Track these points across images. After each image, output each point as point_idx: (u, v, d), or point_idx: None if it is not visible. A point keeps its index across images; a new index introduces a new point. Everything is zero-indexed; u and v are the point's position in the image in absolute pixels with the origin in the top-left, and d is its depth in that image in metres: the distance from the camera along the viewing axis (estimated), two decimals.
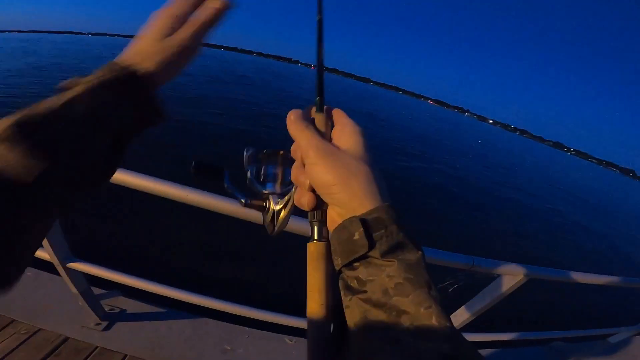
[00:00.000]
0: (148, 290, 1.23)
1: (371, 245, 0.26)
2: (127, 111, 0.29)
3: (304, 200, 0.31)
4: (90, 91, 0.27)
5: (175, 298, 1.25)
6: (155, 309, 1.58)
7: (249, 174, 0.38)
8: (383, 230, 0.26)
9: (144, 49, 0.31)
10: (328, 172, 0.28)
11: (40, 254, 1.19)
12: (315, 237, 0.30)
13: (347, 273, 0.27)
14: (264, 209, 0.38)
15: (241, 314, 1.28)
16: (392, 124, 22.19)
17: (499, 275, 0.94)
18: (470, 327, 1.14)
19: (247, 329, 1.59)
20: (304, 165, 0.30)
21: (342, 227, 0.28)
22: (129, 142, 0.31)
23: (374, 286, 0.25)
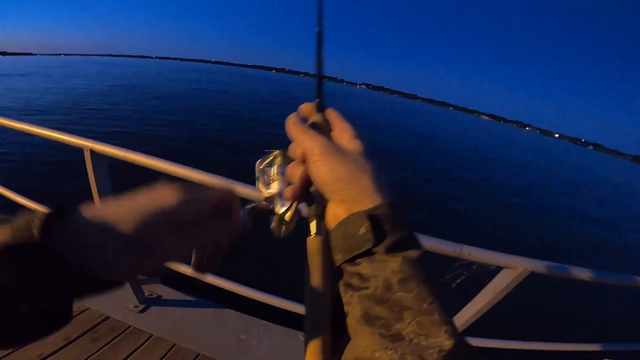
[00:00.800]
0: (183, 272, 1.42)
1: (377, 241, 0.26)
2: (41, 284, 0.21)
3: (289, 191, 0.32)
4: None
5: (206, 282, 1.41)
6: (186, 297, 1.76)
7: (258, 179, 0.38)
8: (388, 226, 0.26)
9: (116, 232, 0.23)
10: (336, 168, 0.28)
11: None
12: (314, 231, 0.31)
13: (348, 269, 0.27)
14: (270, 214, 0.38)
15: (260, 300, 1.39)
16: (444, 143, 21.52)
17: (495, 269, 0.94)
18: (481, 330, 1.11)
19: (264, 322, 1.70)
20: (302, 163, 0.31)
21: (347, 221, 0.27)
22: (68, 306, 0.24)
23: (377, 282, 0.25)
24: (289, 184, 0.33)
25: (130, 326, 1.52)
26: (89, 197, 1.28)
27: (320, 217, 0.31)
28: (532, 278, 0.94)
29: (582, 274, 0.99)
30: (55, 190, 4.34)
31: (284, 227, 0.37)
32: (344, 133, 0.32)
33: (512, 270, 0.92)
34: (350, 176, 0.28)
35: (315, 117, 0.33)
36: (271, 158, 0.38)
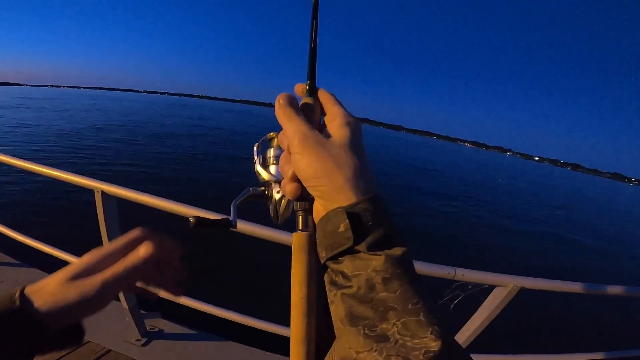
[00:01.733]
0: (186, 305, 1.43)
1: (357, 238, 0.25)
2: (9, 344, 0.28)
3: (287, 189, 0.30)
4: None
5: (207, 312, 1.42)
6: (188, 331, 1.74)
7: (256, 161, 0.37)
8: (370, 223, 0.25)
9: (48, 287, 0.30)
10: (313, 164, 0.27)
11: None
12: (300, 227, 0.30)
13: (332, 267, 0.26)
14: (267, 198, 0.36)
15: (264, 329, 1.41)
16: (432, 172, 21.98)
17: (488, 287, 1.01)
18: (481, 347, 1.15)
19: (269, 353, 1.68)
20: (289, 153, 0.29)
21: (326, 218, 0.27)
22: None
23: (360, 281, 0.24)
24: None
25: (133, 359, 1.50)
26: (97, 236, 1.32)
27: (307, 212, 0.30)
28: (523, 294, 1.01)
29: (570, 286, 1.06)
30: (62, 229, 4.27)
31: (280, 214, 0.36)
32: (334, 119, 0.30)
33: (503, 287, 0.99)
34: (326, 172, 0.26)
35: (307, 100, 0.31)
36: (268, 138, 0.37)
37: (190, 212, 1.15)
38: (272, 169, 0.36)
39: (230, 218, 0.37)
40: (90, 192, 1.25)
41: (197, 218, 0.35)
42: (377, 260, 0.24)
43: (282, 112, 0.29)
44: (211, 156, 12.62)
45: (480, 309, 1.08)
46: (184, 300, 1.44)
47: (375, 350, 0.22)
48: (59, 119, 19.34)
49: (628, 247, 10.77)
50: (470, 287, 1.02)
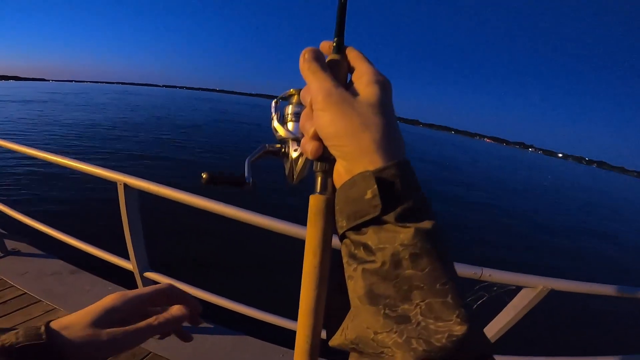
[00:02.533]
0: (204, 299, 1.45)
1: (386, 207, 0.22)
2: None
3: (307, 147, 0.28)
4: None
5: (224, 306, 1.44)
6: (204, 325, 1.77)
7: (273, 117, 0.35)
8: (400, 191, 0.23)
9: (76, 326, 0.31)
10: (337, 121, 0.24)
11: (124, 264, 1.52)
12: (318, 190, 0.28)
13: (352, 237, 0.24)
14: (283, 156, 0.35)
15: (278, 324, 1.41)
16: (453, 168, 21.69)
17: (516, 288, 0.97)
18: (506, 348, 1.11)
19: (284, 348, 1.68)
20: (312, 110, 0.27)
21: (351, 183, 0.24)
22: None
23: (385, 255, 0.21)
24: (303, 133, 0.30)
25: (150, 352, 1.53)
26: (120, 228, 1.35)
27: (327, 174, 0.28)
28: (553, 295, 0.97)
29: (602, 289, 1.01)
30: (85, 220, 4.41)
31: (296, 174, 0.34)
32: (362, 76, 0.27)
33: (532, 289, 0.95)
34: (351, 131, 0.24)
35: (333, 57, 0.29)
36: (287, 95, 0.35)
37: (211, 205, 1.15)
38: (290, 125, 0.34)
39: (245, 175, 0.36)
40: (113, 184, 1.28)
41: (210, 174, 0.34)
42: (406, 233, 0.21)
43: (306, 67, 0.27)
44: (237, 149, 12.77)
45: (505, 309, 1.04)
46: (204, 295, 1.46)
47: (395, 332, 0.21)
48: (85, 112, 19.89)
49: None
50: (495, 288, 0.98)
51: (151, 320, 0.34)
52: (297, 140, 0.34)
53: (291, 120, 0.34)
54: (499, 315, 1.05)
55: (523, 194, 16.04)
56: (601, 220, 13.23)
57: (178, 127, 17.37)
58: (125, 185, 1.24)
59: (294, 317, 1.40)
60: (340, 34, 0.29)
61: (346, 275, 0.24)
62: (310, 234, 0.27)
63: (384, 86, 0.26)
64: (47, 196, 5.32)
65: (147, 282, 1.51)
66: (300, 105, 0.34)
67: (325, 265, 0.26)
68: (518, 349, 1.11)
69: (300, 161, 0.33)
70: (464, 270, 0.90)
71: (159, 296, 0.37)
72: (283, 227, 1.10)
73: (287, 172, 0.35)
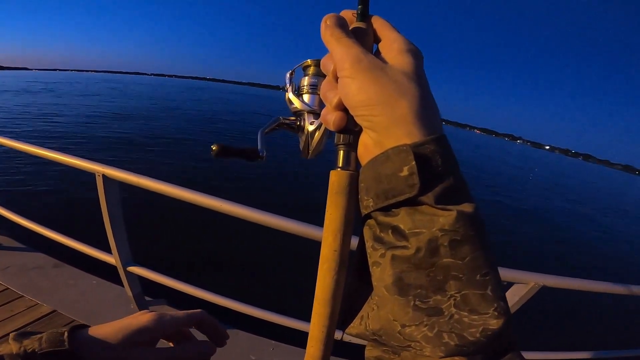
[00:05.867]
0: (190, 293, 1.41)
1: (425, 187, 0.20)
2: None
3: (330, 117, 0.25)
4: (13, 357, 0.27)
5: (212, 302, 1.41)
6: None
7: (288, 89, 0.33)
8: (440, 169, 0.20)
9: (106, 338, 0.30)
10: (367, 88, 0.22)
11: (107, 258, 1.47)
12: (340, 164, 0.25)
13: (380, 219, 0.21)
14: (298, 129, 0.33)
15: (269, 319, 1.39)
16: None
17: (507, 284, 0.96)
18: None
19: (273, 342, 1.67)
20: (336, 80, 0.24)
21: (384, 157, 0.21)
22: None
23: (420, 241, 0.19)
24: (322, 104, 0.28)
25: None
26: (100, 220, 1.29)
27: (350, 147, 0.25)
28: (545, 291, 0.96)
29: (593, 285, 1.01)
30: (65, 213, 4.31)
31: (312, 148, 0.32)
32: (391, 44, 0.24)
33: (523, 285, 0.94)
34: (383, 99, 0.21)
35: (358, 24, 0.26)
36: (303, 66, 0.33)
37: (194, 197, 1.10)
38: (306, 97, 0.32)
39: (258, 148, 0.33)
40: (92, 176, 1.21)
41: (221, 145, 0.31)
42: (447, 217, 0.19)
43: (329, 33, 0.24)
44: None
45: None
46: (189, 289, 1.42)
47: (426, 325, 0.19)
48: (74, 102, 19.19)
49: None
50: None
51: (180, 349, 0.34)
52: (314, 113, 0.32)
53: (307, 92, 0.32)
54: None
55: (512, 187, 16.29)
56: (589, 214, 13.52)
57: (189, 120, 16.92)
58: (104, 176, 1.18)
59: (282, 311, 1.39)
60: (364, 1, 0.26)
61: (370, 261, 0.22)
62: (331, 214, 0.24)
63: (416, 55, 0.24)
64: (25, 188, 5.18)
65: (131, 276, 1.47)
66: (316, 76, 0.32)
67: (345, 249, 0.24)
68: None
69: (318, 134, 0.31)
70: None
71: (192, 322, 0.36)
72: (264, 219, 1.05)
73: (302, 146, 0.33)
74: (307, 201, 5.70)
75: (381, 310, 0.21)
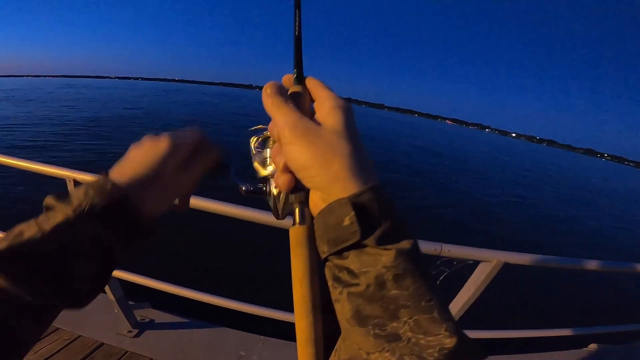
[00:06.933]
0: (173, 293, 1.42)
1: (364, 232, 0.22)
2: (116, 239, 0.29)
3: (279, 181, 0.28)
4: (77, 218, 0.26)
5: (198, 300, 1.42)
6: (179, 320, 1.74)
7: (254, 161, 0.36)
8: (377, 214, 0.23)
9: (145, 177, 0.31)
10: (304, 152, 0.25)
11: None
12: (297, 221, 0.28)
13: (335, 262, 0.24)
14: (265, 194, 0.36)
15: (256, 313, 1.41)
16: (419, 149, 22.42)
17: (473, 262, 1.02)
18: (468, 323, 1.18)
19: (262, 337, 1.70)
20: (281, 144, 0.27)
21: (328, 210, 0.24)
22: (117, 262, 0.31)
23: (369, 278, 0.22)
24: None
25: (127, 351, 1.50)
26: None
27: (303, 204, 0.28)
28: (507, 269, 1.03)
29: (553, 261, 1.09)
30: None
31: (280, 209, 0.35)
32: (323, 104, 0.28)
33: (488, 263, 1.01)
34: (319, 161, 0.24)
35: (295, 89, 0.30)
36: (263, 138, 0.36)
37: None
38: (271, 168, 0.35)
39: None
40: (62, 181, 1.19)
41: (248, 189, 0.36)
42: (387, 256, 0.22)
43: (270, 102, 0.27)
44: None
45: (466, 285, 1.10)
46: (172, 289, 1.42)
47: (388, 351, 0.21)
48: (34, 110, 18.26)
49: (613, 222, 11.29)
50: (455, 262, 1.03)
51: (197, 163, 0.36)
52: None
53: (271, 164, 0.35)
54: (461, 291, 1.11)
55: (481, 172, 16.87)
56: (551, 195, 14.30)
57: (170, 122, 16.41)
58: (75, 182, 1.15)
59: (270, 304, 1.42)
60: (298, 66, 0.31)
61: (333, 298, 0.24)
62: (295, 264, 0.27)
63: (346, 111, 0.27)
64: None
65: (112, 280, 1.45)
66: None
67: (315, 292, 0.26)
68: (479, 324, 1.19)
69: (282, 197, 0.33)
70: (425, 246, 0.93)
71: (197, 143, 0.36)
72: (243, 213, 1.06)
73: (272, 208, 0.35)
74: None
75: (347, 341, 0.23)
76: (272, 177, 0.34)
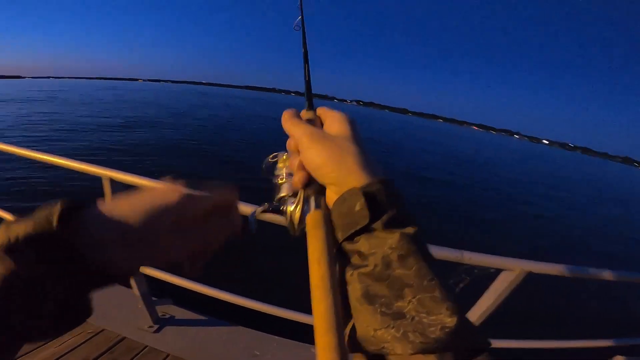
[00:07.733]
0: (194, 290, 1.47)
1: (373, 216, 0.25)
2: (61, 277, 0.22)
3: (296, 179, 0.33)
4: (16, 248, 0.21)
5: (216, 297, 1.46)
6: (198, 317, 1.79)
7: (274, 181, 0.38)
8: (384, 202, 0.26)
9: (112, 221, 0.24)
10: (322, 153, 0.29)
11: None
12: (313, 207, 0.31)
13: (347, 247, 0.27)
14: (283, 213, 0.38)
15: (272, 313, 1.44)
16: (440, 155, 22.04)
17: (495, 271, 1.00)
18: (488, 332, 1.15)
19: (277, 337, 1.72)
20: (298, 153, 0.32)
21: (341, 199, 0.28)
22: (84, 298, 0.25)
23: (376, 259, 0.24)
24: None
25: (146, 346, 1.55)
26: None
27: (319, 194, 0.31)
28: (531, 278, 1.00)
29: (579, 272, 1.05)
30: None
31: (296, 224, 0.36)
32: (333, 122, 0.33)
33: (510, 272, 0.99)
34: (334, 159, 0.29)
35: (308, 115, 0.36)
36: (277, 160, 0.39)
37: None
38: (285, 187, 0.37)
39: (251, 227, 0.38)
40: (99, 179, 1.27)
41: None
42: (393, 238, 0.24)
43: (289, 123, 0.33)
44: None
45: (486, 293, 1.08)
46: (194, 286, 1.47)
47: (392, 327, 0.22)
48: (73, 110, 19.21)
49: None
50: (476, 270, 1.01)
51: (211, 227, 0.30)
52: (295, 194, 0.35)
53: (286, 182, 0.37)
54: (480, 299, 1.09)
55: (514, 181, 16.31)
56: (586, 206, 13.58)
57: (219, 127, 16.84)
58: (112, 180, 1.23)
59: (287, 305, 1.44)
60: (310, 99, 0.38)
61: (345, 280, 0.26)
62: (312, 245, 0.28)
63: (352, 122, 0.32)
64: (30, 194, 5.21)
65: (140, 276, 1.52)
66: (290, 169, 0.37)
67: (333, 274, 0.26)
68: (499, 333, 1.15)
69: (297, 211, 0.34)
70: (447, 253, 0.92)
71: (223, 203, 0.31)
72: (273, 218, 1.10)
73: (288, 225, 0.37)
74: None
75: (357, 320, 0.25)
76: (289, 196, 0.36)
